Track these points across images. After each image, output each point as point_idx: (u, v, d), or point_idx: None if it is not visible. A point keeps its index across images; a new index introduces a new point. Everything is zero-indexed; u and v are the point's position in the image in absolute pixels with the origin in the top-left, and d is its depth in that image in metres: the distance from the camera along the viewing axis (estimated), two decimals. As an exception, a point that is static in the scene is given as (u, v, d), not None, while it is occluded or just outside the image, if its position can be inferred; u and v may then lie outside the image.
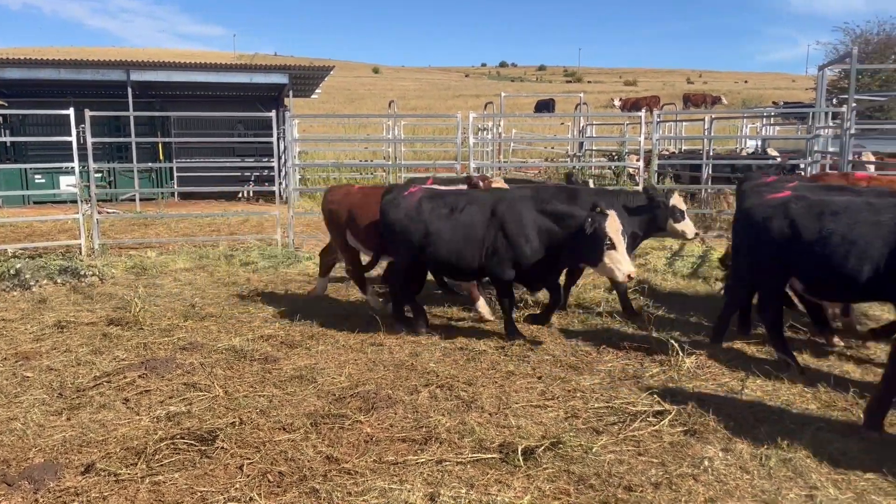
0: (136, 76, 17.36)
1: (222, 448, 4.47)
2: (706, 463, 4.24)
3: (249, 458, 4.35)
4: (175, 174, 19.56)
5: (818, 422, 4.82)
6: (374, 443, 4.58)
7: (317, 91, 21.59)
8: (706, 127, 15.54)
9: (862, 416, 4.77)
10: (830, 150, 12.66)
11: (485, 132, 21.69)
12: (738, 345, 6.64)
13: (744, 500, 3.84)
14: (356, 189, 8.15)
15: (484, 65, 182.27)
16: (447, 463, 4.27)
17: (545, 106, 46.27)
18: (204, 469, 4.23)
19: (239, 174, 20.41)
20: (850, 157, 11.27)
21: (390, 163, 20.45)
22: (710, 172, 14.77)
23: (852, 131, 10.55)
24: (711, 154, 15.45)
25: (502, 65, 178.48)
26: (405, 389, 5.53)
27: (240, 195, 20.21)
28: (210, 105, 20.40)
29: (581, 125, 22.22)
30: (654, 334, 6.83)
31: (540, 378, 5.81)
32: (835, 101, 16.79)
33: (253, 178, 20.81)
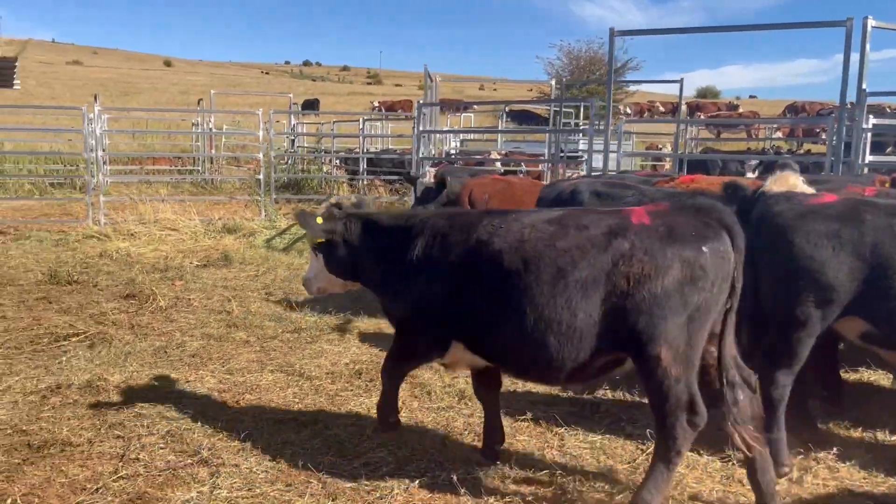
0: None
1: None
2: None
3: None
4: None
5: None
6: None
7: (16, 82, 21.51)
8: (360, 127, 17.96)
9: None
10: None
11: (196, 126, 22.80)
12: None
13: None
14: None
15: (288, 62, 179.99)
16: None
17: (311, 105, 48.22)
18: None
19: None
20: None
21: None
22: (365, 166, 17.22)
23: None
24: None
25: (306, 63, 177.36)
26: None
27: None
28: None
29: (293, 123, 23.94)
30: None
31: None
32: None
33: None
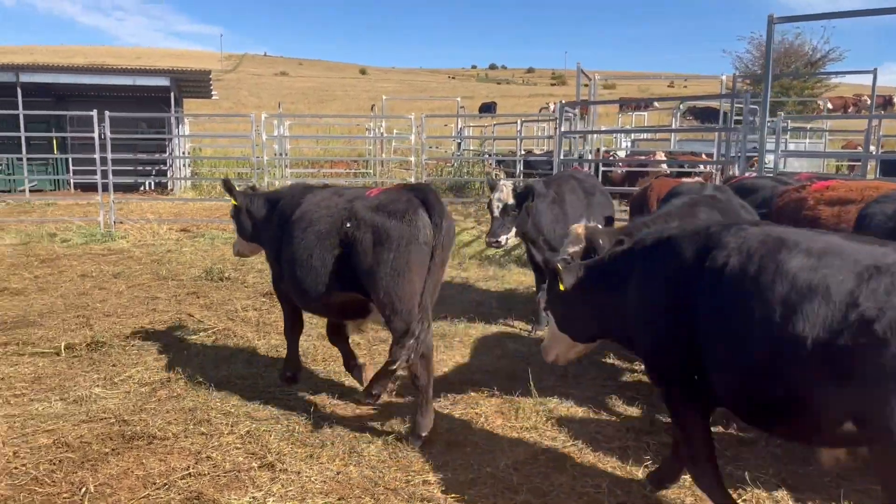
0: (26, 78, 19.29)
1: None
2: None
3: None
4: (71, 166, 21.22)
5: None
6: None
7: (214, 92, 23.61)
8: (518, 129, 17.73)
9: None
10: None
11: (368, 131, 23.77)
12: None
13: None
14: None
15: (474, 67, 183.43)
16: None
17: (488, 108, 48.79)
18: None
19: (137, 168, 22.23)
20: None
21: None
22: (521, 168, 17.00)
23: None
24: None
25: (492, 67, 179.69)
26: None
27: (142, 187, 22.14)
28: (114, 104, 22.17)
29: (459, 127, 24.24)
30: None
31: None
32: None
33: (154, 172, 22.73)
